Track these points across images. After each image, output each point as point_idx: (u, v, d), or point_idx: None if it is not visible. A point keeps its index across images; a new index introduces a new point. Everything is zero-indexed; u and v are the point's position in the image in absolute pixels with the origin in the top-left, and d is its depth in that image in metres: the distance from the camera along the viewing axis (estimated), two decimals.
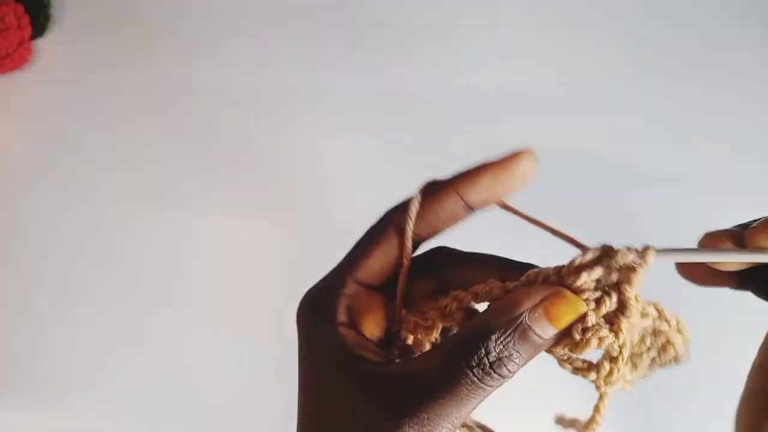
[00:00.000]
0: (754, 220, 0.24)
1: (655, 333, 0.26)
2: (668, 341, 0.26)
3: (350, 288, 0.26)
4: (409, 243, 0.27)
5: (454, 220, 0.27)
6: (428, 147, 0.60)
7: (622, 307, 0.24)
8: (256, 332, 0.55)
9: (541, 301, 0.23)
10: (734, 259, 0.24)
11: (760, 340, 0.27)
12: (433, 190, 0.27)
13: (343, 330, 0.26)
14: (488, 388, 0.23)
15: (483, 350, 0.23)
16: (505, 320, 0.23)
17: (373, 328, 0.27)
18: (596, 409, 0.25)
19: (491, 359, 0.23)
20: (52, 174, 0.59)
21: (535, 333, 0.23)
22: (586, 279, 0.24)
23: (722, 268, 0.25)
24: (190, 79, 0.62)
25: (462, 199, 0.26)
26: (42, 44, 0.63)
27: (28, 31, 0.61)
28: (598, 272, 0.24)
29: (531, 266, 0.26)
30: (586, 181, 0.60)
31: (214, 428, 0.53)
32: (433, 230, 0.27)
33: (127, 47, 0.63)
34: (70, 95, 0.62)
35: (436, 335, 0.27)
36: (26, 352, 0.54)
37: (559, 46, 0.65)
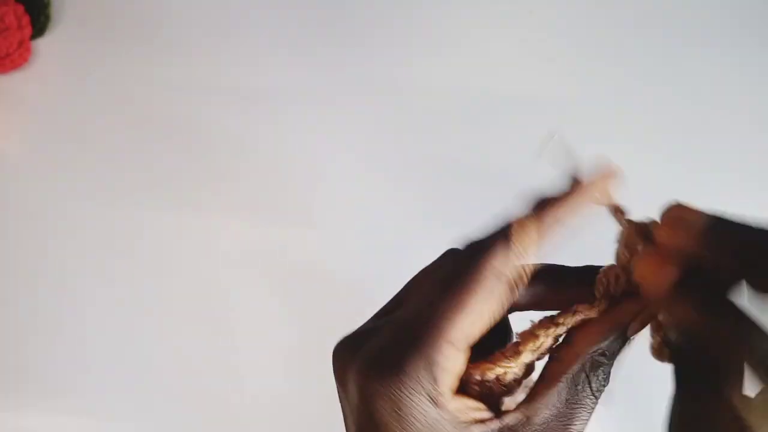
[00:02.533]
0: None
1: None
2: None
3: (449, 356, 0.23)
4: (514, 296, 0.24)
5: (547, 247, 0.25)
6: (427, 147, 0.60)
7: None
8: (256, 332, 0.55)
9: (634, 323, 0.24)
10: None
11: None
12: (534, 219, 0.24)
13: (445, 402, 0.22)
14: (599, 401, 0.24)
15: (601, 371, 0.24)
16: (613, 339, 0.24)
17: (457, 382, 0.24)
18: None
19: (606, 377, 0.24)
20: (52, 174, 0.59)
21: (629, 341, 0.25)
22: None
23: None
24: (190, 79, 0.62)
25: (563, 224, 0.25)
26: (42, 44, 0.63)
27: (28, 31, 0.61)
28: None
29: (588, 269, 0.26)
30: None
31: (213, 428, 0.53)
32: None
33: (127, 47, 0.63)
34: (70, 95, 0.62)
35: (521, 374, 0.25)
36: (26, 352, 0.54)
37: (559, 46, 0.65)
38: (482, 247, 0.24)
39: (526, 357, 0.25)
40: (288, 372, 0.53)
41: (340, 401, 0.25)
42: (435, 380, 0.22)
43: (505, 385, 0.24)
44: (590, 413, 0.24)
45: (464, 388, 0.24)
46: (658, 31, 0.65)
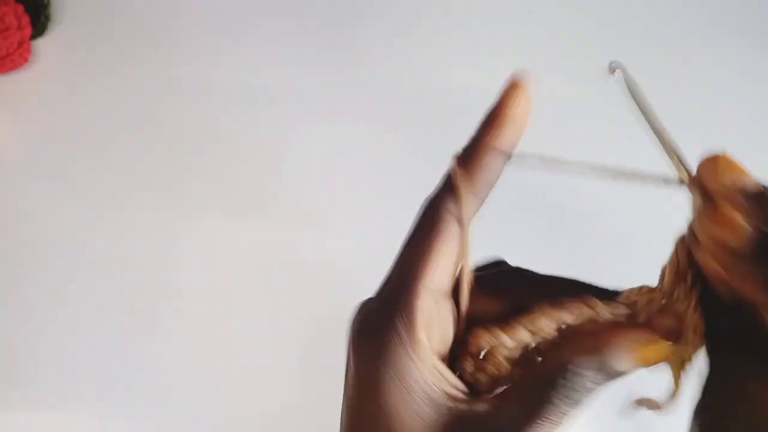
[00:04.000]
0: None
1: None
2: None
3: (423, 297, 0.23)
4: (467, 230, 0.23)
5: (498, 177, 0.25)
6: (428, 147, 0.60)
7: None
8: (257, 332, 0.55)
9: (630, 349, 0.23)
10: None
11: None
12: (471, 158, 0.25)
13: (422, 351, 0.23)
14: (566, 418, 0.23)
15: (569, 385, 0.23)
16: (594, 362, 0.23)
17: (442, 341, 0.24)
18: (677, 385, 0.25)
19: (573, 393, 0.23)
20: (52, 174, 0.59)
21: (619, 371, 0.23)
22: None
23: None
24: (190, 79, 0.62)
25: (499, 150, 0.25)
26: (42, 44, 0.63)
27: (28, 31, 0.61)
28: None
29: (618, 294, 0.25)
30: (587, 182, 0.60)
31: (214, 428, 0.53)
32: (482, 199, 0.25)
33: (127, 47, 0.63)
34: (70, 95, 0.62)
35: (516, 356, 0.25)
36: (26, 353, 0.54)
37: (559, 45, 0.65)
38: (433, 198, 0.25)
39: (521, 333, 0.24)
40: (290, 372, 0.53)
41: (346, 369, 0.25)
42: (411, 322, 0.23)
43: (497, 364, 0.24)
44: (549, 425, 0.23)
45: (459, 368, 0.24)
46: (659, 30, 0.66)
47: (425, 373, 0.23)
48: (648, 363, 0.23)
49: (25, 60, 0.61)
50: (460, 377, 0.24)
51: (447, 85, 0.63)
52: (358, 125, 0.61)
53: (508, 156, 0.25)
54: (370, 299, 0.25)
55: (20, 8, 0.61)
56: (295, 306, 0.55)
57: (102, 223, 0.58)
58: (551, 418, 0.23)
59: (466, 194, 0.23)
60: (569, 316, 0.24)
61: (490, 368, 0.24)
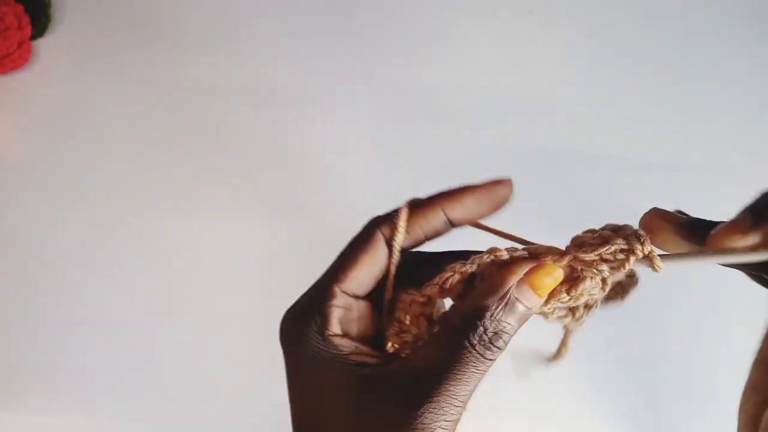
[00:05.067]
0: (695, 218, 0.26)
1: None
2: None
3: (340, 299, 0.27)
4: (396, 255, 0.28)
5: (435, 234, 0.29)
6: (432, 146, 0.60)
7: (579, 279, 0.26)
8: (258, 332, 0.55)
9: (525, 274, 0.26)
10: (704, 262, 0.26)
11: (760, 335, 0.27)
12: (419, 205, 0.28)
13: (337, 340, 0.27)
14: (489, 361, 0.25)
15: (481, 328, 0.25)
16: (496, 297, 0.25)
17: (363, 335, 0.28)
18: (564, 343, 0.29)
19: (489, 334, 0.25)
20: (52, 174, 0.59)
21: (522, 304, 0.26)
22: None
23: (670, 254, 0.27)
24: (190, 80, 0.62)
25: (446, 216, 0.28)
26: (42, 44, 0.63)
27: (28, 31, 0.61)
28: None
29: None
30: (586, 180, 0.60)
31: (214, 428, 0.53)
32: (415, 242, 0.29)
33: (128, 47, 0.63)
34: (70, 95, 0.62)
35: (432, 311, 0.28)
36: (26, 353, 0.54)
37: (559, 45, 0.65)
38: (374, 219, 0.29)
39: (431, 289, 0.27)
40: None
41: None
42: (324, 317, 0.27)
43: (415, 323, 0.28)
44: (472, 371, 0.25)
45: (383, 338, 0.28)
46: (659, 30, 0.66)
47: (342, 351, 0.26)
48: (543, 290, 0.26)
49: (25, 60, 0.61)
50: (389, 352, 0.28)
51: (447, 85, 0.63)
52: (358, 125, 0.61)
53: (452, 225, 0.29)
54: (293, 303, 0.29)
55: (20, 8, 0.61)
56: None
57: (102, 223, 0.58)
58: (472, 363, 0.25)
59: (401, 230, 0.28)
60: (472, 265, 0.27)
61: (411, 327, 0.28)
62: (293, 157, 0.60)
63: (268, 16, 0.65)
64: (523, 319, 0.26)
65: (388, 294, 0.28)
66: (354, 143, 0.61)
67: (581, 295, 0.26)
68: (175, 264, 0.57)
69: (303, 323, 0.27)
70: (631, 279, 0.28)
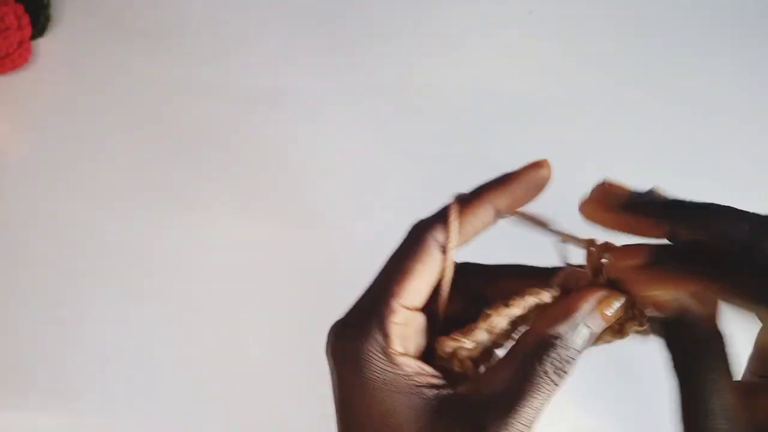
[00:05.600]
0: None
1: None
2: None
3: (399, 315, 0.26)
4: (451, 261, 0.27)
5: (485, 228, 0.28)
6: (431, 147, 0.60)
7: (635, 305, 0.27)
8: (259, 332, 0.55)
9: (597, 305, 0.26)
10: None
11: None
12: (466, 201, 0.28)
13: (400, 359, 0.25)
14: (558, 386, 0.25)
15: (555, 354, 0.25)
16: (570, 324, 0.25)
17: (419, 350, 0.27)
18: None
19: (562, 361, 0.25)
20: (52, 174, 0.59)
21: (589, 328, 0.26)
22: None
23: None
24: (190, 79, 0.62)
25: (494, 208, 0.27)
26: (42, 44, 0.63)
27: (28, 31, 0.61)
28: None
29: (554, 268, 0.28)
30: (587, 181, 0.60)
31: (216, 428, 0.53)
32: (465, 240, 0.28)
33: (128, 47, 0.63)
34: (70, 95, 0.62)
35: (478, 354, 0.27)
36: (27, 353, 0.54)
37: (558, 46, 0.65)
38: (424, 223, 0.27)
39: (478, 334, 0.27)
40: (292, 372, 0.53)
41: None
42: (387, 335, 0.25)
43: (460, 361, 0.27)
44: (543, 396, 0.24)
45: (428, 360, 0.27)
46: (658, 30, 0.66)
47: (407, 372, 0.25)
48: (612, 317, 0.26)
49: (25, 60, 0.61)
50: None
51: (448, 86, 0.63)
52: (363, 126, 0.61)
53: (501, 215, 0.28)
54: (343, 318, 0.27)
55: (20, 8, 0.61)
56: (296, 306, 0.55)
57: (102, 222, 0.58)
58: (542, 389, 0.24)
59: (454, 231, 0.27)
60: (517, 309, 0.27)
61: (456, 367, 0.27)
62: (293, 157, 0.60)
63: (270, 16, 0.65)
64: (589, 343, 0.26)
65: (442, 305, 0.27)
66: (355, 144, 0.61)
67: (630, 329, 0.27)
68: (175, 264, 0.57)
69: (362, 341, 0.25)
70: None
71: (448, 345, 0.27)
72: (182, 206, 0.58)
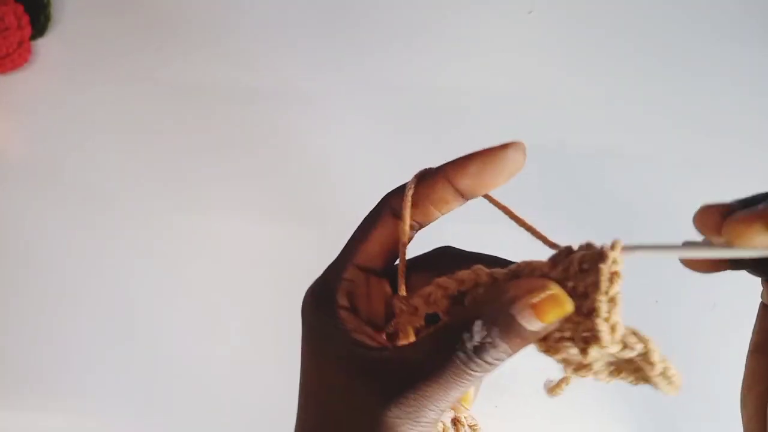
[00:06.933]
0: (754, 198, 0.23)
1: (628, 361, 0.24)
2: (642, 371, 0.24)
3: (350, 272, 0.27)
4: (406, 225, 0.27)
5: (445, 206, 0.28)
6: (430, 147, 0.60)
7: (592, 326, 0.22)
8: (259, 332, 0.55)
9: (529, 293, 0.23)
10: (706, 256, 0.23)
11: (753, 325, 0.28)
12: (426, 177, 0.28)
13: (343, 314, 0.26)
14: (474, 373, 0.23)
15: (468, 335, 0.23)
16: (492, 308, 0.23)
17: (371, 312, 0.28)
18: (562, 381, 0.25)
19: (475, 345, 0.23)
20: (53, 174, 0.59)
21: (520, 324, 0.23)
22: (572, 273, 0.23)
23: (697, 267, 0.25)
24: (190, 79, 0.62)
25: (452, 185, 0.27)
26: (42, 44, 0.63)
27: (28, 31, 0.61)
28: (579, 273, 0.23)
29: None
30: (585, 178, 0.60)
31: (216, 428, 0.53)
32: (427, 216, 0.28)
33: (128, 47, 0.63)
34: (70, 95, 0.62)
35: (420, 322, 0.28)
36: (26, 352, 0.54)
37: (558, 45, 0.65)
38: (385, 196, 0.29)
39: (416, 300, 0.27)
40: (291, 372, 0.53)
41: None
42: (333, 290, 0.27)
43: (398, 324, 0.28)
44: (457, 379, 0.23)
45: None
46: (658, 30, 0.66)
47: (345, 326, 0.26)
48: (546, 318, 0.23)
49: (25, 60, 0.61)
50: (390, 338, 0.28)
51: (449, 86, 0.63)
52: (360, 125, 0.61)
53: (462, 197, 0.27)
54: (319, 276, 0.29)
55: (20, 8, 0.61)
56: (296, 305, 0.55)
57: (102, 222, 0.58)
58: (454, 371, 0.23)
59: (407, 202, 0.27)
60: (452, 283, 0.26)
61: (390, 329, 0.28)
62: (294, 157, 0.60)
63: (272, 16, 0.65)
64: (521, 343, 0.23)
65: (401, 271, 0.28)
66: (356, 143, 0.61)
67: (564, 350, 0.23)
68: (175, 264, 0.57)
69: (317, 294, 0.27)
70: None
71: (396, 305, 0.28)
72: (182, 206, 0.58)
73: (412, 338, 0.29)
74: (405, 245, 0.28)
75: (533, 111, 0.62)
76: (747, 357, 0.28)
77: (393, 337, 0.29)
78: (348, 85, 0.62)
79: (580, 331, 0.23)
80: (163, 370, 0.54)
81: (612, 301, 0.22)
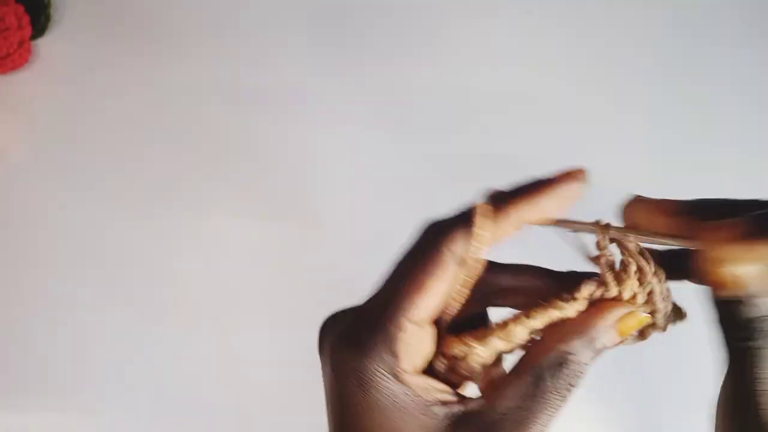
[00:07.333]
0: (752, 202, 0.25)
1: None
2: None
3: (408, 333, 0.24)
4: (470, 279, 0.25)
5: (507, 238, 0.26)
6: (429, 147, 0.60)
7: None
8: (259, 332, 0.55)
9: (611, 321, 0.25)
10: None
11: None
12: (493, 210, 0.25)
13: (409, 379, 0.24)
14: (567, 402, 0.24)
15: (566, 371, 0.24)
16: (584, 341, 0.25)
17: (421, 362, 0.25)
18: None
19: (573, 378, 0.24)
20: (53, 174, 0.59)
21: (603, 344, 0.25)
22: (633, 287, 0.26)
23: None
24: (190, 79, 0.62)
25: (522, 220, 0.25)
26: (42, 44, 0.63)
27: (28, 31, 0.61)
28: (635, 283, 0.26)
29: (573, 273, 0.27)
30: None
31: (216, 428, 0.53)
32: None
33: (128, 47, 0.63)
34: (70, 95, 0.62)
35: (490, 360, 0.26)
36: (26, 352, 0.54)
37: (558, 46, 0.65)
38: (443, 229, 0.25)
39: (493, 342, 0.25)
40: (292, 372, 0.53)
41: (322, 375, 0.27)
42: (395, 355, 0.24)
43: (470, 368, 0.25)
44: (553, 412, 0.24)
45: (432, 368, 0.25)
46: (658, 30, 0.66)
47: (416, 392, 0.24)
48: (628, 332, 0.26)
49: (25, 60, 0.61)
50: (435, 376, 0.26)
51: (448, 86, 0.63)
52: (361, 125, 0.61)
53: (523, 225, 0.25)
54: (345, 313, 0.26)
55: (20, 8, 0.61)
56: (295, 305, 0.55)
57: (102, 222, 0.58)
58: (553, 405, 0.24)
59: (478, 244, 0.24)
60: (538, 321, 0.25)
61: (463, 371, 0.26)
62: (294, 157, 0.60)
63: (270, 16, 0.65)
64: (600, 357, 0.25)
65: (449, 314, 0.26)
66: (356, 144, 0.61)
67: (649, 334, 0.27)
68: (175, 264, 0.57)
69: (369, 360, 0.24)
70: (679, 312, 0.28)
71: (460, 349, 0.25)
72: (182, 206, 0.58)
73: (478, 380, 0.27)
74: (463, 298, 0.25)
75: (533, 111, 0.62)
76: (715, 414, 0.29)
77: (458, 380, 0.26)
78: (348, 85, 0.62)
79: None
80: (163, 370, 0.54)
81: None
